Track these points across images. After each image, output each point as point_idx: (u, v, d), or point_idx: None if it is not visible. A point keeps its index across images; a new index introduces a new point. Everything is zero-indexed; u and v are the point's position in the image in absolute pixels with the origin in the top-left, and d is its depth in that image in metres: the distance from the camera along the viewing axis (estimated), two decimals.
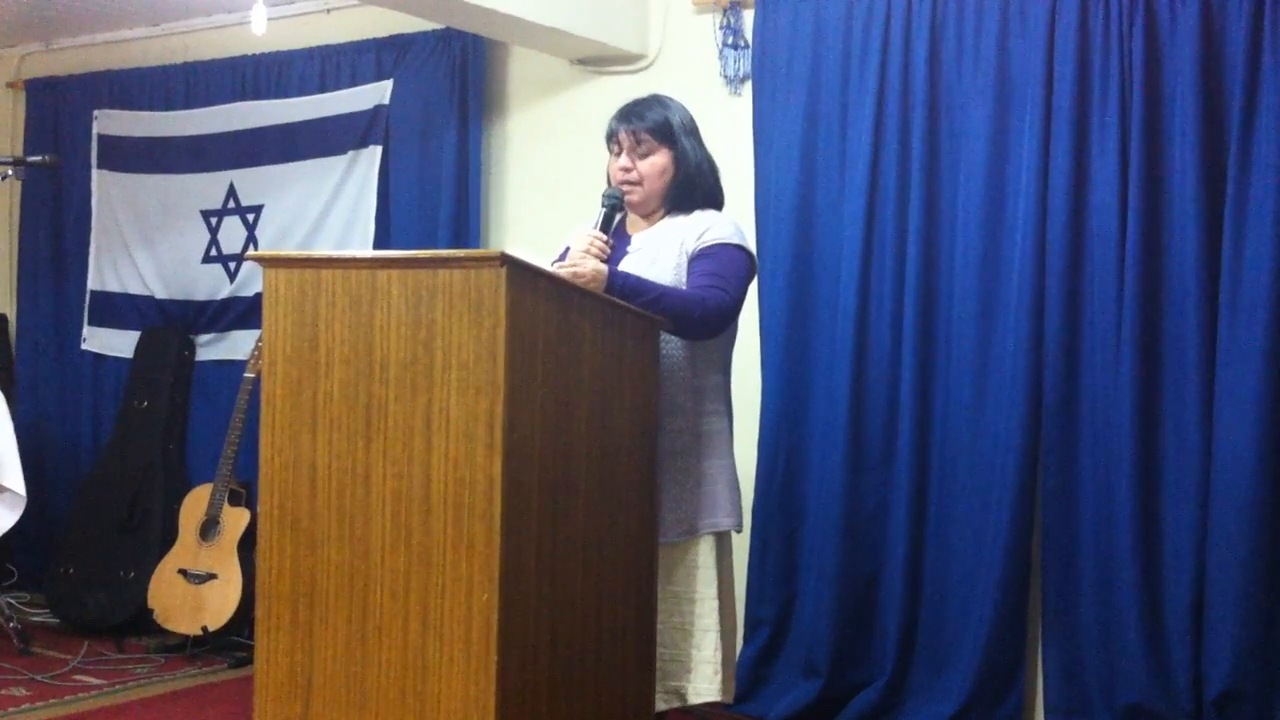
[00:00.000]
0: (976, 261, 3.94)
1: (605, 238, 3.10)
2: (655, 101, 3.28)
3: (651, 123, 3.21)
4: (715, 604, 3.19)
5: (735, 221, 3.28)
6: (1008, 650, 3.91)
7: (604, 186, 3.28)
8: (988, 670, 3.90)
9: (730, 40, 4.43)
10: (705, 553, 3.20)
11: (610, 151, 3.28)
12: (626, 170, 3.22)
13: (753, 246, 3.26)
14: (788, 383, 4.23)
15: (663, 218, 3.28)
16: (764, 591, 4.25)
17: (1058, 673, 3.87)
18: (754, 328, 4.27)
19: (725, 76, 4.45)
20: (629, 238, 3.28)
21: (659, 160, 3.22)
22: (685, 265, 3.15)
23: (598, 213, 3.18)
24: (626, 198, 3.23)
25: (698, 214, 3.25)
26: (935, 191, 4.03)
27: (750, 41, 4.36)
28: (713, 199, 3.31)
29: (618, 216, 3.23)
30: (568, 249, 3.14)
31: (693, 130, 3.28)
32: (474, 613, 2.50)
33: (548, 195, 4.83)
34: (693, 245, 3.17)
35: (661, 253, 3.18)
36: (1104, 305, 3.77)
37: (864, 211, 4.08)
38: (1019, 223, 3.87)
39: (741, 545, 4.23)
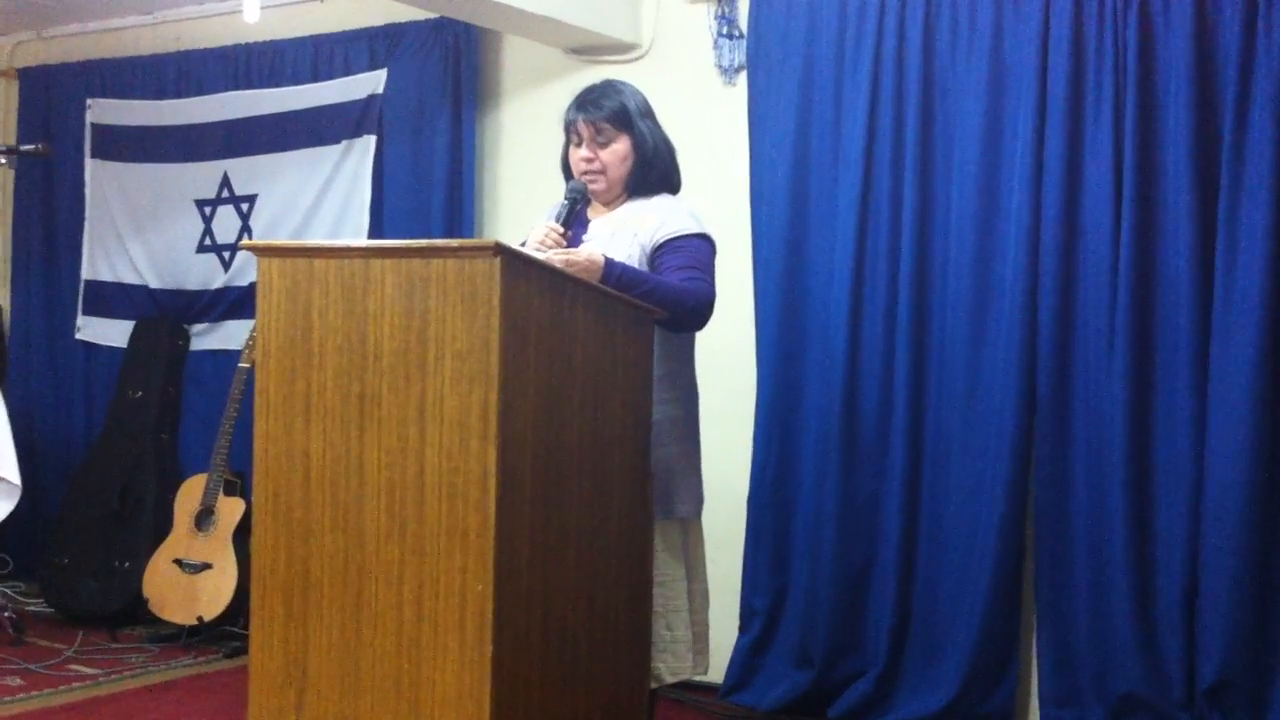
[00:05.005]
0: (970, 252, 3.94)
1: (562, 230, 3.11)
2: (610, 88, 3.28)
3: (609, 111, 3.23)
4: (684, 585, 3.25)
5: (690, 209, 3.28)
6: (1000, 640, 3.91)
7: (572, 175, 3.29)
8: (980, 660, 3.90)
9: (725, 30, 4.43)
10: (664, 538, 3.21)
11: (569, 140, 3.30)
12: (589, 160, 3.25)
13: (710, 230, 3.26)
14: (781, 373, 4.23)
15: (623, 203, 3.30)
16: (757, 582, 4.26)
17: (1050, 663, 3.88)
18: (748, 319, 4.27)
19: (720, 66, 4.45)
20: (587, 224, 3.30)
21: (619, 148, 3.24)
22: (637, 258, 3.16)
23: (560, 206, 3.20)
24: (591, 187, 3.26)
25: (655, 201, 3.26)
26: (929, 182, 4.03)
27: (745, 31, 4.36)
28: (669, 181, 3.33)
29: (578, 209, 3.25)
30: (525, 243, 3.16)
31: (648, 113, 3.29)
32: (468, 602, 2.50)
33: (542, 185, 4.80)
34: (649, 238, 3.19)
35: (614, 244, 3.18)
36: (1097, 297, 3.78)
37: (858, 202, 4.08)
38: (1012, 213, 3.87)
39: (735, 536, 4.25)
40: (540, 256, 2.87)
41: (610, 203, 3.31)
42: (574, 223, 3.22)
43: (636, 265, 3.14)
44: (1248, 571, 3.55)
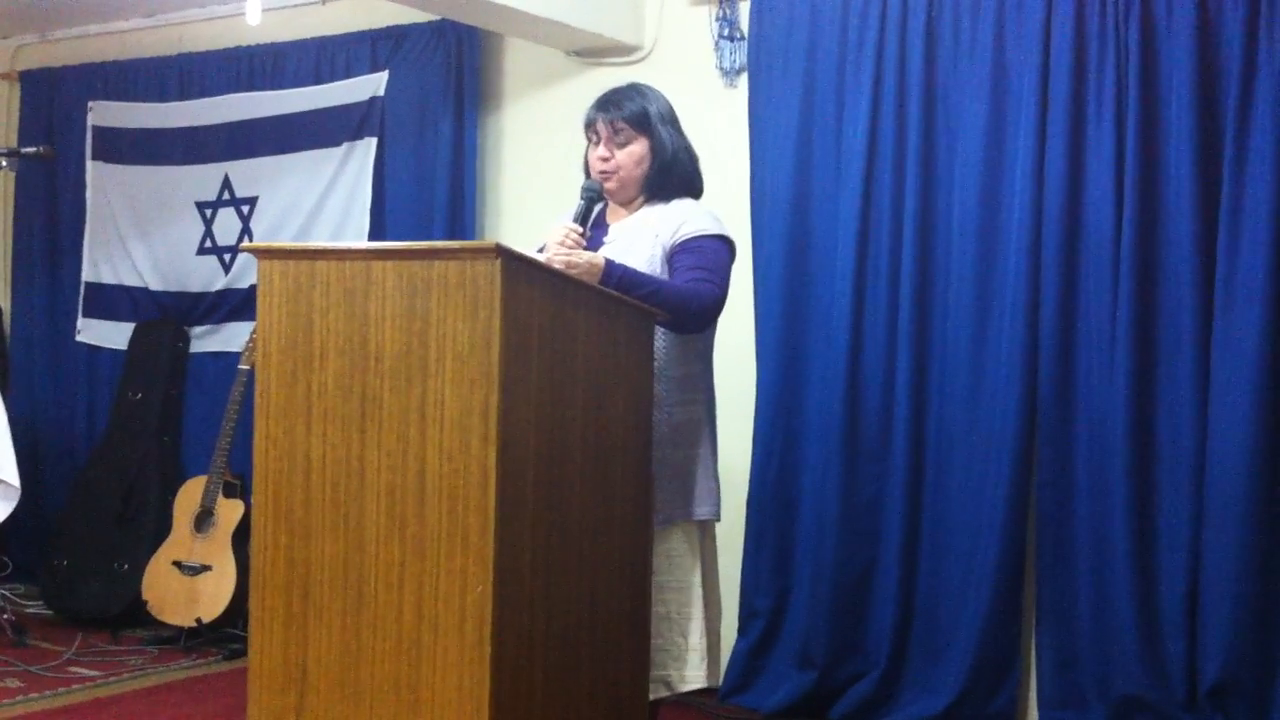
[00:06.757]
0: (972, 253, 3.94)
1: (580, 229, 3.10)
2: (633, 90, 3.28)
3: (629, 112, 3.22)
4: (699, 592, 3.22)
5: (711, 211, 3.27)
6: (1002, 642, 3.91)
7: (587, 176, 3.29)
8: (982, 662, 3.90)
9: (726, 32, 4.43)
10: (684, 541, 3.21)
11: (589, 140, 3.29)
12: (605, 159, 3.23)
13: (730, 233, 3.26)
14: (783, 374, 4.23)
15: (641, 206, 3.28)
16: (759, 583, 4.26)
17: (1052, 664, 3.87)
18: (749, 319, 4.27)
19: (721, 69, 4.45)
20: (607, 227, 3.29)
21: (636, 149, 3.23)
22: (659, 259, 3.15)
23: (575, 205, 3.19)
24: (604, 186, 3.24)
25: (675, 204, 3.24)
26: (931, 184, 4.03)
27: (746, 33, 4.36)
28: (690, 187, 3.31)
29: (596, 208, 3.24)
30: (544, 246, 3.15)
31: (671, 119, 3.28)
32: (468, 604, 2.50)
33: (543, 187, 4.82)
34: (669, 239, 3.18)
35: (635, 244, 3.18)
36: (1099, 297, 3.78)
37: (859, 203, 4.08)
38: (1014, 214, 3.87)
39: (736, 537, 4.25)
40: (541, 258, 2.87)
41: (627, 205, 3.30)
42: (593, 224, 3.21)
43: (657, 265, 3.14)
44: (1250, 572, 3.55)
